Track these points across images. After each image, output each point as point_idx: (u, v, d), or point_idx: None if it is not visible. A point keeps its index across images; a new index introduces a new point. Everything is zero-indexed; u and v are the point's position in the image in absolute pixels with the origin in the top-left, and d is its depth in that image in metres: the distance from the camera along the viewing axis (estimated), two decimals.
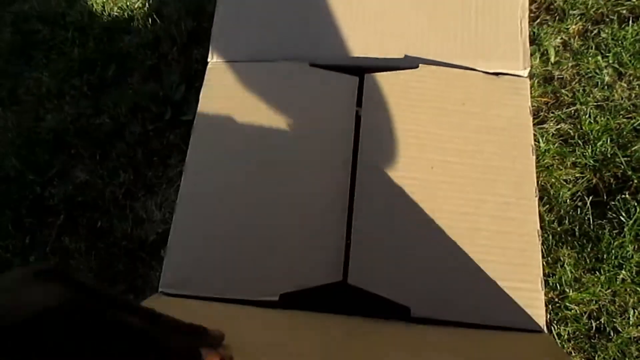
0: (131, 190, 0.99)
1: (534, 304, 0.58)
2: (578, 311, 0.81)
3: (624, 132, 0.92)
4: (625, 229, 0.85)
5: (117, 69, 1.11)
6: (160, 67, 1.09)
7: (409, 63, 0.71)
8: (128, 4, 1.18)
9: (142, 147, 1.01)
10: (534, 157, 0.66)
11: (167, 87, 1.06)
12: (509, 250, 0.61)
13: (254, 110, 0.70)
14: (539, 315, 0.58)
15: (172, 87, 1.05)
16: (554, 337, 0.79)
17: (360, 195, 0.63)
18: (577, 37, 1.02)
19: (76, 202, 0.99)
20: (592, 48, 1.00)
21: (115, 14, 1.18)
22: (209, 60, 0.74)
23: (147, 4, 1.17)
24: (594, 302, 0.81)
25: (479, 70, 0.70)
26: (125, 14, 1.17)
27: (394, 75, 0.70)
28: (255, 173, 0.66)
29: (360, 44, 0.73)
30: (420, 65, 0.70)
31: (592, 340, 0.80)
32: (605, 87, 0.96)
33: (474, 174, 0.65)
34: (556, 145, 0.92)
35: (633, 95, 0.95)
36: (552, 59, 1.00)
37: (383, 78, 0.70)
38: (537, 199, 0.64)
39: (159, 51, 1.11)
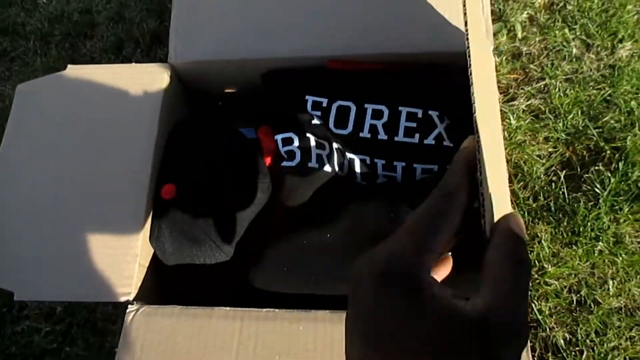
0: None
1: None
2: (558, 286, 0.81)
3: (594, 104, 0.92)
4: (600, 201, 0.85)
5: None
6: None
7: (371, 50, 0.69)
8: (88, 8, 1.16)
9: None
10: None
11: None
12: None
13: None
14: None
15: None
16: (535, 313, 0.79)
17: None
18: (543, 11, 1.01)
19: None
20: (558, 21, 1.00)
21: (76, 19, 1.15)
22: (169, 61, 0.72)
23: (107, 6, 1.15)
24: (573, 275, 0.81)
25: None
26: (86, 18, 1.15)
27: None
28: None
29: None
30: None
31: (574, 314, 0.80)
32: (574, 59, 0.96)
33: None
34: (527, 121, 0.92)
35: (601, 66, 0.95)
36: (520, 35, 0.99)
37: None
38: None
39: (123, 54, 1.09)
